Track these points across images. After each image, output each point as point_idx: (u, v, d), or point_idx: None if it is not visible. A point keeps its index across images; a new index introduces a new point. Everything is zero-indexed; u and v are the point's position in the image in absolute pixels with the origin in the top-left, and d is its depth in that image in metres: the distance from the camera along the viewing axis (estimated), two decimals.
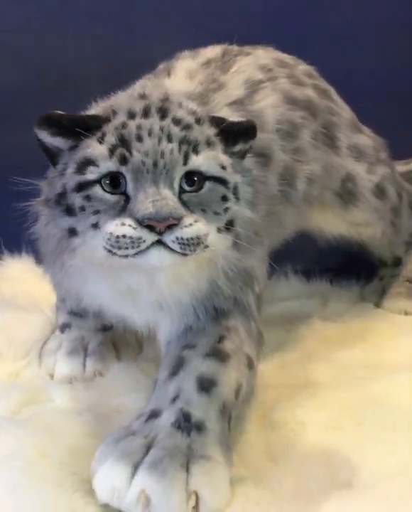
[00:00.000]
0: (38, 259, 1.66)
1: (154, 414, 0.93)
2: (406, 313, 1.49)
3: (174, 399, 0.94)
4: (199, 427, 0.90)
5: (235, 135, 0.98)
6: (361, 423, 1.03)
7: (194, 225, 0.89)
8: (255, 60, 1.32)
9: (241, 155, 1.00)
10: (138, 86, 1.21)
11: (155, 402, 0.96)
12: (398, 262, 1.59)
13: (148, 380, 1.15)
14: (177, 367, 0.98)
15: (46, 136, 0.96)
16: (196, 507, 0.84)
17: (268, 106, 1.24)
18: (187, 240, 0.88)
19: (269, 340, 1.34)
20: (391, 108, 1.77)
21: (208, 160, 0.93)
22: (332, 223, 1.47)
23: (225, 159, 0.96)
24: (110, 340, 1.29)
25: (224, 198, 0.94)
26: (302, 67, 1.40)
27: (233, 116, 1.17)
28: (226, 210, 0.94)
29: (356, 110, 1.52)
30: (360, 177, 1.42)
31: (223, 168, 0.95)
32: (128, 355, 1.30)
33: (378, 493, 0.86)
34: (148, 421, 0.93)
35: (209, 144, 0.94)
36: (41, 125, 0.95)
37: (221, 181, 0.94)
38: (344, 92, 1.50)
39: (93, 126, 0.93)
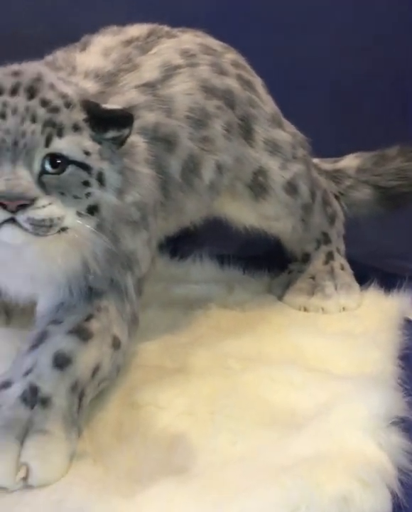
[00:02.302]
0: None
1: (5, 385, 0.96)
2: (304, 309, 1.52)
3: (27, 372, 0.97)
4: (45, 402, 0.93)
5: (106, 122, 0.99)
6: (213, 412, 1.06)
7: (47, 207, 0.91)
8: (178, 44, 1.33)
9: (119, 142, 1.01)
10: (51, 58, 1.22)
11: (10, 373, 0.99)
12: (306, 258, 1.61)
13: None
14: (39, 341, 1.01)
15: None
16: (26, 478, 0.87)
17: (181, 92, 1.25)
18: (39, 221, 0.90)
19: (163, 322, 1.39)
20: (324, 105, 1.79)
21: (71, 144, 0.95)
22: (242, 214, 1.49)
23: (91, 145, 0.97)
24: (3, 305, 1.31)
25: (86, 184, 0.96)
26: (230, 56, 1.41)
27: (142, 100, 1.20)
28: (87, 195, 0.96)
29: (289, 104, 1.54)
30: (272, 172, 1.43)
31: (87, 153, 0.96)
32: (20, 322, 1.32)
33: (204, 481, 0.90)
34: None
35: (75, 128, 0.96)
36: None
37: (84, 167, 0.96)
38: (278, 85, 1.52)
39: None
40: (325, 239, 1.61)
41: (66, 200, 0.94)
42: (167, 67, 1.27)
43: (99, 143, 0.98)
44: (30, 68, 1.00)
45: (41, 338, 1.01)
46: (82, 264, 1.03)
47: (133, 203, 1.07)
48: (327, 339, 1.34)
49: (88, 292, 1.07)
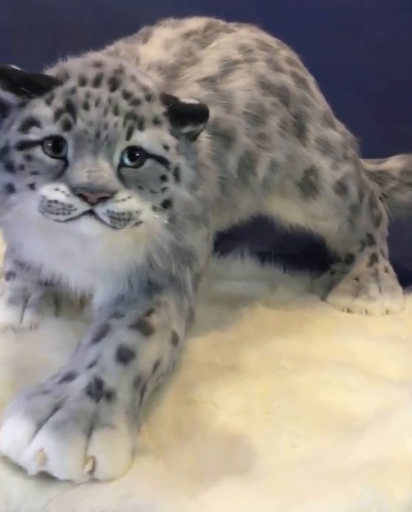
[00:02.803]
0: None
1: (69, 377, 0.95)
2: (348, 311, 1.51)
3: (91, 365, 0.96)
4: (109, 395, 0.93)
5: (184, 117, 0.98)
6: (270, 412, 1.05)
7: (126, 201, 0.90)
8: (236, 39, 1.32)
9: (192, 137, 1.00)
10: (114, 48, 1.22)
11: (72, 365, 0.98)
12: (350, 259, 1.60)
13: (79, 339, 1.18)
14: (101, 334, 1.00)
15: None
16: (92, 472, 0.87)
17: (240, 88, 1.24)
18: (118, 214, 0.89)
19: (209, 318, 1.38)
20: (369, 105, 1.78)
21: (151, 138, 0.93)
22: (290, 212, 1.48)
23: (170, 139, 0.96)
24: (52, 295, 1.31)
25: (163, 178, 0.95)
26: (285, 53, 1.40)
27: (203, 94, 1.19)
28: (163, 189, 0.95)
29: (334, 104, 1.53)
30: (323, 171, 1.43)
31: (166, 148, 0.95)
32: (68, 313, 1.32)
33: (268, 483, 0.89)
34: (62, 382, 0.95)
35: (155, 122, 0.95)
36: None
37: (162, 161, 0.95)
38: (323, 84, 1.51)
39: (44, 86, 0.93)
40: (370, 240, 1.60)
41: (143, 194, 0.92)
42: (226, 62, 1.26)
43: (176, 137, 0.97)
44: (111, 59, 0.99)
45: (103, 332, 1.00)
46: (146, 258, 1.02)
47: (199, 198, 1.06)
48: (375, 342, 1.33)
49: (148, 287, 1.06)
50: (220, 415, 1.05)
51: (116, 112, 0.91)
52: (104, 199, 0.88)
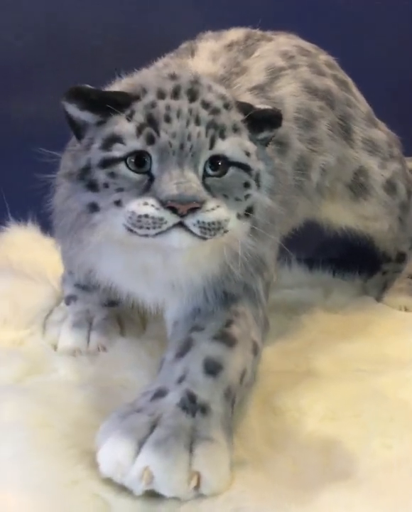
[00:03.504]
0: (45, 229, 1.68)
1: (160, 393, 0.94)
2: (406, 310, 1.51)
3: (180, 379, 0.95)
4: (204, 409, 0.92)
5: (261, 122, 0.98)
6: (359, 415, 1.04)
7: (216, 210, 0.89)
8: (277, 46, 1.32)
9: (265, 143, 1.00)
10: (162, 64, 1.22)
11: (161, 382, 0.97)
12: (401, 258, 1.60)
13: (151, 357, 1.18)
14: (185, 348, 0.99)
15: (74, 110, 0.95)
16: (197, 487, 0.86)
17: (288, 94, 1.25)
18: (208, 224, 0.88)
19: (272, 327, 1.37)
20: (404, 103, 1.78)
21: (233, 146, 0.93)
22: (341, 215, 1.47)
23: (250, 146, 0.96)
24: (115, 315, 1.31)
25: (246, 185, 0.94)
26: (323, 57, 1.41)
27: (257, 103, 1.18)
28: (247, 196, 0.94)
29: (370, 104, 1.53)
30: (372, 171, 1.42)
31: (247, 154, 0.95)
32: (132, 331, 1.31)
33: (374, 486, 0.88)
34: (153, 399, 0.94)
35: (235, 129, 0.94)
36: (69, 98, 0.94)
37: (245, 168, 0.94)
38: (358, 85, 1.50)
39: (122, 103, 0.93)
40: None
41: (229, 202, 0.92)
42: (272, 70, 1.27)
43: (254, 143, 0.97)
44: (185, 71, 0.99)
45: (186, 346, 1.00)
46: (222, 268, 1.01)
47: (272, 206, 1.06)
48: None
49: (224, 297, 1.06)
50: (308, 422, 1.04)
51: (197, 122, 0.91)
52: (193, 210, 0.87)
